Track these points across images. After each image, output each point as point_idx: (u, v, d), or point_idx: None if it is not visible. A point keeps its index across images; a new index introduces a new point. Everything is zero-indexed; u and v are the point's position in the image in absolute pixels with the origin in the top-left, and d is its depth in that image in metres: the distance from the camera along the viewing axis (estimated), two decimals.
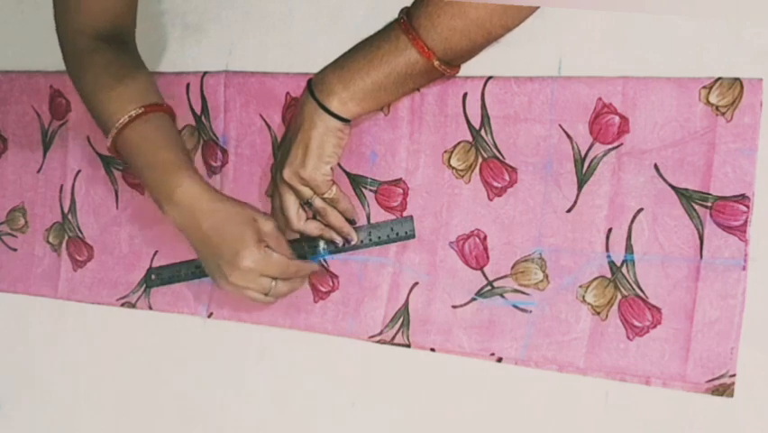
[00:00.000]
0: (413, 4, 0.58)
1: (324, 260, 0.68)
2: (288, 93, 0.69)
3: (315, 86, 0.61)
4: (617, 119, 0.59)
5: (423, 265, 0.65)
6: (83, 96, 0.66)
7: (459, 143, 0.63)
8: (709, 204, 0.57)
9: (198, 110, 0.72)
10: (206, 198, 0.61)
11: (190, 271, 0.71)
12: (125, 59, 0.66)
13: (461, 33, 0.56)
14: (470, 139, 0.63)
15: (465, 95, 0.63)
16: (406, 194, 0.65)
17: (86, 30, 0.66)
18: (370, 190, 0.66)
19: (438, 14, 0.55)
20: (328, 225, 0.65)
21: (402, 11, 0.58)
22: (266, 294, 0.63)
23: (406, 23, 0.57)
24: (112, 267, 0.77)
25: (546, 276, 0.61)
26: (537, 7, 0.57)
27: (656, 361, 0.58)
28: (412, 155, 0.65)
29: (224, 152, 0.72)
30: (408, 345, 0.65)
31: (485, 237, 0.63)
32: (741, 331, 0.56)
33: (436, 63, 0.57)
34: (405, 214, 0.65)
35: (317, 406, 0.69)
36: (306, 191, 0.63)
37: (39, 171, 0.80)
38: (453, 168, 0.64)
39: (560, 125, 0.60)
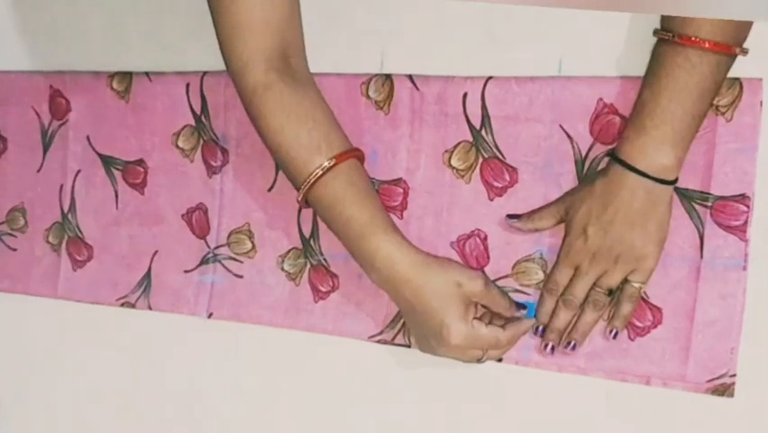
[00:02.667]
0: (665, 19, 0.54)
1: (325, 259, 0.68)
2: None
3: (635, 161, 0.54)
4: (617, 119, 0.59)
5: None
6: (264, 142, 0.61)
7: (459, 143, 0.63)
8: (709, 204, 0.57)
9: (198, 110, 0.72)
10: (405, 264, 0.57)
11: None
12: (302, 96, 0.60)
13: None
14: (470, 139, 0.63)
15: (465, 95, 0.63)
16: (406, 194, 0.65)
17: (255, 58, 0.59)
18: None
19: None
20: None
21: (656, 32, 0.54)
22: (478, 360, 0.59)
23: (682, 37, 0.51)
24: (111, 267, 0.77)
25: (547, 276, 0.61)
26: None
27: (656, 361, 0.58)
28: (412, 155, 0.65)
29: (225, 151, 0.72)
30: (409, 346, 0.65)
31: (485, 237, 0.63)
32: (741, 331, 0.56)
33: (738, 50, 0.52)
34: (405, 213, 0.65)
35: (317, 406, 0.69)
36: None
37: (39, 171, 0.80)
38: (454, 168, 0.64)
39: (560, 126, 0.60)
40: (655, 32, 0.54)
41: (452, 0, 0.63)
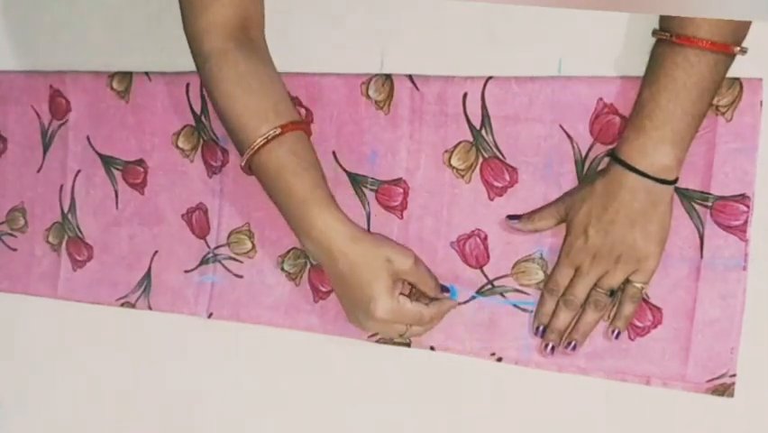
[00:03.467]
0: (663, 19, 0.54)
1: None
2: (287, 93, 0.69)
3: (636, 162, 0.54)
4: (617, 119, 0.59)
5: None
6: (214, 107, 0.63)
7: (459, 143, 0.63)
8: (710, 204, 0.57)
9: (198, 110, 0.72)
10: (341, 237, 0.58)
11: None
12: (256, 66, 0.62)
13: None
14: (470, 139, 0.63)
15: (465, 95, 0.63)
16: (406, 194, 0.65)
17: (214, 27, 0.61)
18: (371, 190, 0.66)
19: None
20: None
21: (655, 33, 0.54)
22: (401, 335, 0.61)
23: (680, 37, 0.52)
24: (112, 267, 0.77)
25: (547, 276, 0.61)
26: None
27: (656, 361, 0.58)
28: (412, 155, 0.65)
29: (225, 151, 0.72)
30: (408, 345, 0.65)
31: (485, 237, 0.63)
32: (741, 331, 0.56)
33: (736, 49, 0.52)
34: (405, 213, 0.65)
35: (317, 406, 0.69)
36: None
37: (39, 171, 0.80)
38: (454, 167, 0.64)
39: (560, 126, 0.60)
40: (654, 33, 0.54)
41: (452, 0, 0.63)
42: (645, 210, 0.54)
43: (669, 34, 0.53)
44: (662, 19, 0.54)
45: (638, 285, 0.57)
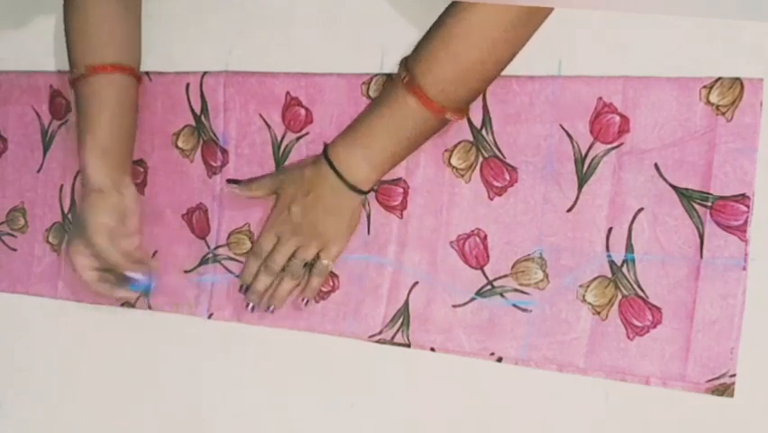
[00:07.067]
0: (412, 54, 0.58)
1: None
2: (288, 93, 0.69)
3: (338, 166, 0.61)
4: (617, 118, 0.59)
5: (423, 265, 0.65)
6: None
7: (459, 143, 0.63)
8: (710, 203, 0.57)
9: (198, 110, 0.72)
10: (93, 181, 0.68)
11: None
12: (104, 8, 0.68)
13: (458, 82, 0.56)
14: (470, 138, 0.63)
15: None
16: (406, 193, 0.65)
17: None
18: (371, 189, 0.66)
19: (433, 67, 0.56)
20: None
21: (401, 64, 0.59)
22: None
23: (412, 84, 0.57)
24: None
25: (546, 275, 0.61)
26: (527, 39, 0.56)
27: (656, 361, 0.58)
28: (413, 154, 0.65)
29: (224, 151, 0.72)
30: (408, 345, 0.65)
31: (485, 237, 0.63)
32: (741, 331, 0.56)
33: (448, 115, 0.58)
34: (405, 213, 0.65)
35: (317, 406, 0.69)
36: None
37: (39, 171, 0.80)
38: (454, 167, 0.64)
39: (560, 125, 0.60)
40: (400, 64, 0.59)
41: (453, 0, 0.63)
42: (337, 204, 0.62)
43: (405, 76, 0.57)
44: (412, 54, 0.58)
45: (325, 262, 0.65)
